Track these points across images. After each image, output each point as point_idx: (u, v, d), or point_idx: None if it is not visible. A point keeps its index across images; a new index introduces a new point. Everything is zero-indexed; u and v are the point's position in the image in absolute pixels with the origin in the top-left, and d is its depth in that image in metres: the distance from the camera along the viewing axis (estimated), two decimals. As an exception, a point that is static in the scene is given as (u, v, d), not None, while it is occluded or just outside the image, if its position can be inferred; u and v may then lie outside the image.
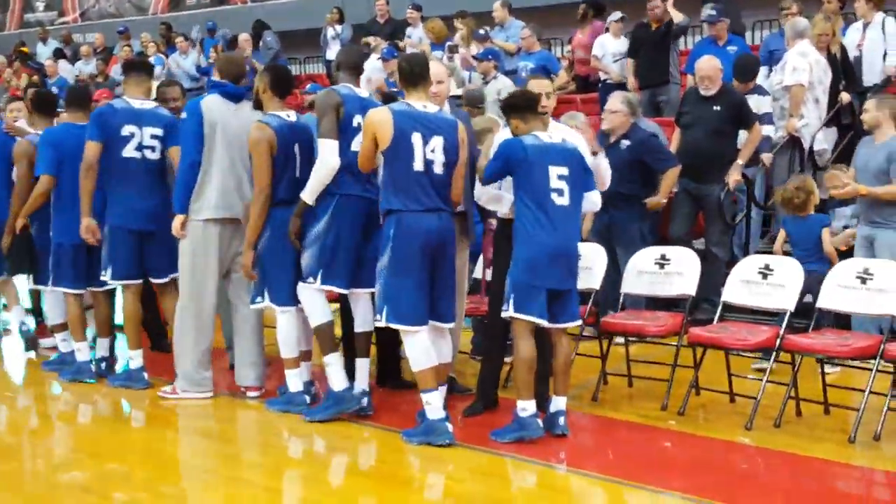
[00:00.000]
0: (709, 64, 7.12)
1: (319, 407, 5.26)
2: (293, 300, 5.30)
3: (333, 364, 5.17)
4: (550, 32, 12.21)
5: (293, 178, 5.27)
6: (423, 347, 4.77)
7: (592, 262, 5.63)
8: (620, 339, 5.91)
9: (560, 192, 4.75)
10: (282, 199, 5.27)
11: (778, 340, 5.05)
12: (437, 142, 4.82)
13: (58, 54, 15.63)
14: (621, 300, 5.75)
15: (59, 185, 6.14)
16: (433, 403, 4.73)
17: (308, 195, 5.07)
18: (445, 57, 9.85)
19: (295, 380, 5.41)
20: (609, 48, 10.08)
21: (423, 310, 4.79)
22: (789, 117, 7.54)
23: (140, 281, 5.93)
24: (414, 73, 4.88)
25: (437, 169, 4.82)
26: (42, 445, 5.26)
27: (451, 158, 4.87)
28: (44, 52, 16.51)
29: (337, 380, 5.17)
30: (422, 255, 4.76)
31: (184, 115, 5.62)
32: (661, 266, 5.63)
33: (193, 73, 13.22)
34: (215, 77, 5.79)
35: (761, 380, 5.13)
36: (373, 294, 5.00)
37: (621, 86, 9.45)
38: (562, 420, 4.85)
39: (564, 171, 4.77)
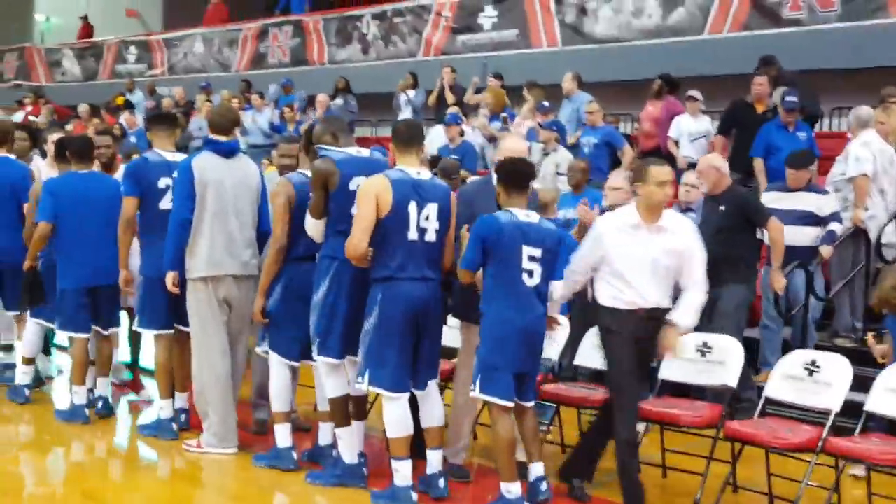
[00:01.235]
0: (703, 161, 6.77)
1: (325, 472, 5.19)
2: (293, 356, 5.34)
3: (345, 437, 5.09)
4: (620, 108, 12.08)
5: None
6: (401, 415, 4.78)
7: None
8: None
9: (531, 274, 4.68)
10: (298, 256, 5.25)
11: (820, 442, 4.76)
12: (432, 209, 4.80)
13: (127, 105, 16.15)
14: (657, 386, 5.50)
15: (58, 233, 6.18)
16: (401, 471, 4.75)
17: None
18: (500, 126, 9.80)
19: (283, 434, 5.35)
20: (685, 128, 9.69)
21: (405, 376, 4.79)
22: (854, 208, 7.25)
23: (172, 331, 5.87)
24: (411, 136, 4.92)
25: (430, 237, 4.79)
26: (44, 490, 5.24)
27: (443, 225, 4.85)
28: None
29: (348, 453, 5.09)
30: (407, 322, 4.74)
31: (175, 174, 5.60)
32: (703, 354, 5.39)
33: (267, 130, 13.47)
34: (208, 132, 5.82)
35: (801, 481, 4.82)
36: None
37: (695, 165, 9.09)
38: (543, 486, 4.79)
39: (538, 252, 4.70)
